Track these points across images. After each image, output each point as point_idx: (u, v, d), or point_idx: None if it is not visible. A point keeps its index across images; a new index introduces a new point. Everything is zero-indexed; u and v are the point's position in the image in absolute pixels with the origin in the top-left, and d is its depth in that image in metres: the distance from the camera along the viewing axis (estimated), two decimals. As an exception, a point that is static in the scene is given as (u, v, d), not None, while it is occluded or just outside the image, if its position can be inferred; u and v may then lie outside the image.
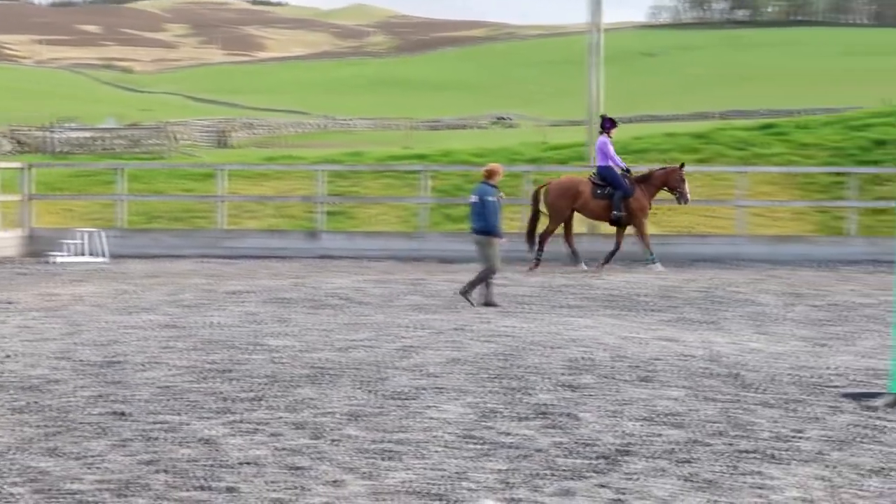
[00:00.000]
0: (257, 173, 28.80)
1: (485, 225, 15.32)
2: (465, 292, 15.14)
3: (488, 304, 15.01)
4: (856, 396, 9.05)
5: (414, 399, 8.89)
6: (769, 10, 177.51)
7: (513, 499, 6.31)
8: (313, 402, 8.76)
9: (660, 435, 7.75)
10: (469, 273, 16.12)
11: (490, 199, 15.30)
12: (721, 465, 7.00)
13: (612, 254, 20.58)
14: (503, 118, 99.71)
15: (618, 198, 20.63)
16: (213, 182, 25.62)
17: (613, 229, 21.12)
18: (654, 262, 20.49)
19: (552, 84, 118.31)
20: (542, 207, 20.94)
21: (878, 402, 8.76)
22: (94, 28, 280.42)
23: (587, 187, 20.77)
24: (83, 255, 22.15)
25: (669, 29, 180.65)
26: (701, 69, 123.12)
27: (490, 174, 15.67)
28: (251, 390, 9.19)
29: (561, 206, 20.79)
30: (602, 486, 6.55)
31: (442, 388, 9.33)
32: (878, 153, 26.79)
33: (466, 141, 45.64)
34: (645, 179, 20.98)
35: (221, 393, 9.08)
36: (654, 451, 7.33)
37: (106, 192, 27.35)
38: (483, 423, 8.06)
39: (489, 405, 8.67)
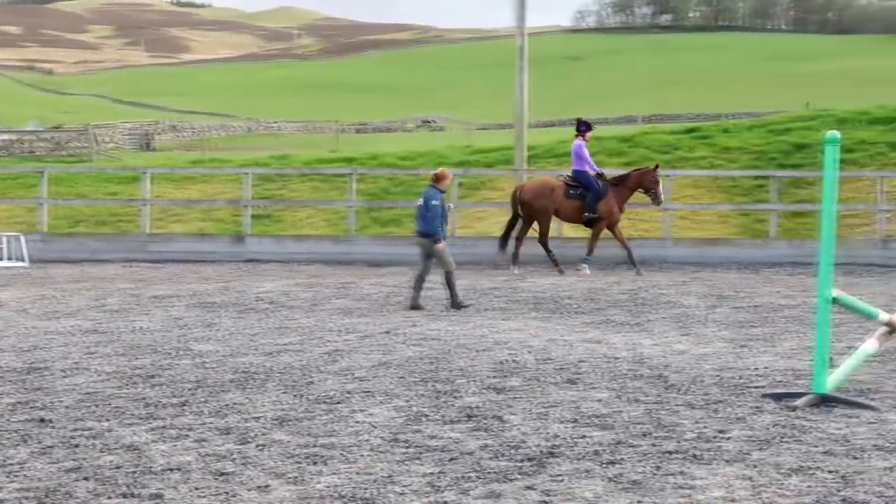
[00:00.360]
0: (183, 176, 28.56)
1: (427, 228, 15.47)
2: (456, 304, 15.23)
3: (414, 307, 15.10)
4: (777, 397, 9.19)
5: (342, 403, 8.88)
6: (692, 15, 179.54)
7: (440, 502, 6.32)
8: (240, 406, 8.71)
9: (586, 436, 7.81)
10: (396, 276, 16.13)
11: (434, 202, 15.45)
12: (646, 466, 7.07)
13: (630, 255, 20.69)
14: (430, 121, 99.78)
15: (591, 199, 20.70)
16: (137, 185, 25.36)
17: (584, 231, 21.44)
18: (585, 264, 20.60)
19: (479, 87, 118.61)
20: (520, 210, 21.04)
21: (799, 402, 8.90)
22: (14, 29, 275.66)
23: (560, 189, 20.88)
24: (2, 259, 21.79)
25: (594, 33, 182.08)
26: (626, 73, 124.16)
27: (438, 178, 15.81)
28: (177, 396, 9.11)
29: (544, 205, 20.87)
30: (529, 488, 6.59)
31: (370, 391, 9.33)
32: (799, 157, 27.26)
33: (394, 144, 45.57)
34: (620, 181, 21.01)
35: (146, 398, 9.00)
36: (581, 452, 7.39)
37: (28, 195, 26.95)
38: (411, 427, 8.07)
39: (417, 408, 8.68)
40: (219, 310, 14.79)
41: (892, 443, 7.70)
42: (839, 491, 6.54)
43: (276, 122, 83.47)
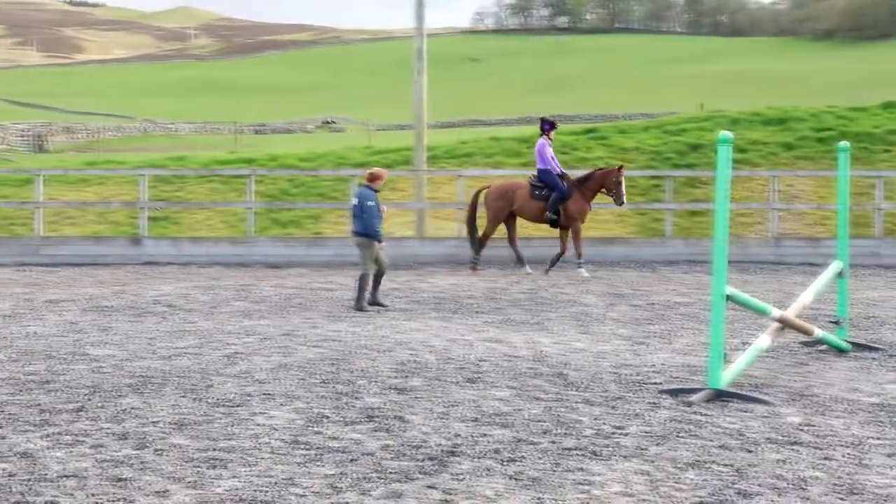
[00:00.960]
0: (77, 178, 28.03)
1: (367, 229, 15.50)
2: (360, 307, 15.17)
3: (375, 302, 15.30)
4: (674, 392, 9.34)
5: (241, 406, 8.80)
6: (589, 17, 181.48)
7: (341, 503, 6.31)
8: (137, 411, 8.59)
9: (487, 435, 7.86)
10: (296, 277, 16.04)
11: (370, 203, 15.45)
12: (546, 463, 7.14)
13: (558, 257, 20.55)
14: (330, 122, 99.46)
15: (553, 200, 20.44)
16: (30, 188, 24.82)
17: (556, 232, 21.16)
18: (581, 266, 20.31)
19: (379, 89, 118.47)
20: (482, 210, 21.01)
21: (695, 397, 9.06)
22: None
23: (525, 189, 20.69)
24: None
25: (493, 35, 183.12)
26: (525, 75, 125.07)
27: (372, 178, 15.79)
28: (72, 401, 8.95)
29: (498, 206, 20.79)
30: (430, 487, 6.61)
31: (270, 394, 9.26)
32: (694, 157, 27.72)
33: (293, 145, 45.35)
34: (584, 181, 20.67)
35: (41, 405, 8.82)
36: (481, 451, 7.42)
37: (-85, 198, 26.22)
38: (311, 429, 8.04)
39: (318, 410, 8.64)
40: (115, 313, 14.55)
41: (784, 436, 7.88)
42: (734, 484, 6.67)
43: (172, 124, 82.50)
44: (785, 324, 10.71)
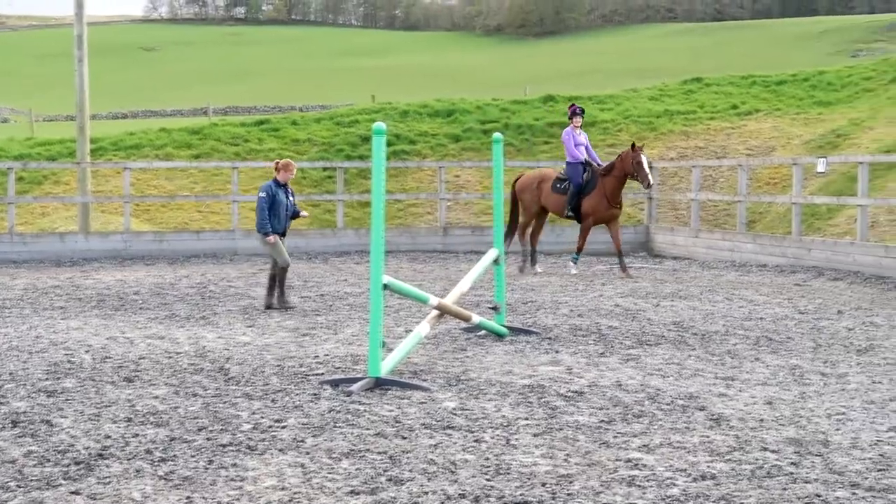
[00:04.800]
0: None
1: (256, 223, 14.72)
2: (275, 303, 14.48)
3: (282, 301, 14.63)
4: (335, 383, 9.37)
5: None
6: (265, 8, 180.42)
7: (-25, 516, 5.93)
8: None
9: (139, 435, 7.60)
10: None
11: (262, 195, 14.58)
12: (200, 461, 6.97)
13: (621, 257, 19.01)
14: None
15: (570, 194, 19.08)
16: None
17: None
18: (574, 261, 19.41)
19: (45, 77, 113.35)
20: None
21: (355, 386, 9.12)
22: None
23: (549, 182, 19.42)
24: None
25: (167, 24, 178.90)
26: (200, 65, 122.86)
27: (277, 170, 14.81)
28: None
29: (525, 199, 19.67)
30: (74, 493, 6.32)
31: None
32: (365, 148, 28.02)
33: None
34: (608, 172, 18.94)
35: None
36: (133, 452, 7.17)
37: None
38: (-52, 438, 7.53)
39: (-43, 418, 8.11)
40: None
41: (438, 421, 8.04)
42: (386, 471, 6.74)
43: None
44: (443, 311, 10.97)
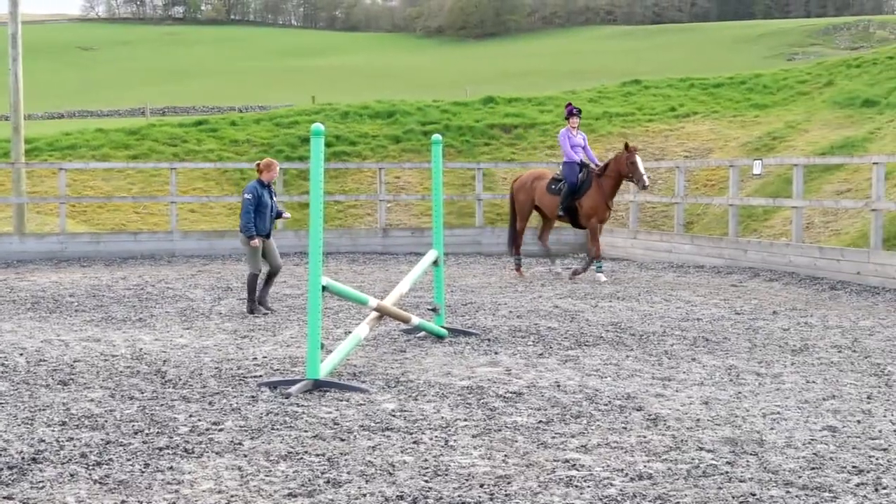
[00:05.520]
0: None
1: (240, 224, 14.36)
2: (252, 309, 14.15)
3: (261, 303, 14.29)
4: (273, 385, 9.32)
5: None
6: (204, 8, 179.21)
7: None
8: None
9: (74, 439, 7.51)
10: None
11: (247, 196, 14.22)
12: (136, 465, 6.90)
13: (588, 261, 18.52)
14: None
15: (563, 194, 18.52)
16: None
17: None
18: (599, 270, 18.33)
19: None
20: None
21: (293, 388, 9.07)
22: None
23: (545, 182, 18.98)
24: None
25: (105, 23, 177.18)
26: (138, 65, 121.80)
27: (260, 170, 14.45)
28: None
29: (520, 199, 19.23)
30: (7, 498, 6.22)
31: None
32: (305, 149, 27.93)
33: None
34: (602, 172, 18.36)
35: None
36: (67, 456, 7.08)
37: None
38: None
39: None
40: None
41: (377, 422, 8.03)
42: (324, 473, 6.71)
43: None
44: (383, 312, 10.95)
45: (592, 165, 18.68)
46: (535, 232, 20.43)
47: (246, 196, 14.28)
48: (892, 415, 8.37)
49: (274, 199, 14.65)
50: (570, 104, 19.26)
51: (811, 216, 21.64)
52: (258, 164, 14.56)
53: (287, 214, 15.34)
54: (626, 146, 18.24)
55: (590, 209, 18.38)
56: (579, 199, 18.45)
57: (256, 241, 14.32)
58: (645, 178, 17.95)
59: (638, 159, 17.96)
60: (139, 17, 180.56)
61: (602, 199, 18.29)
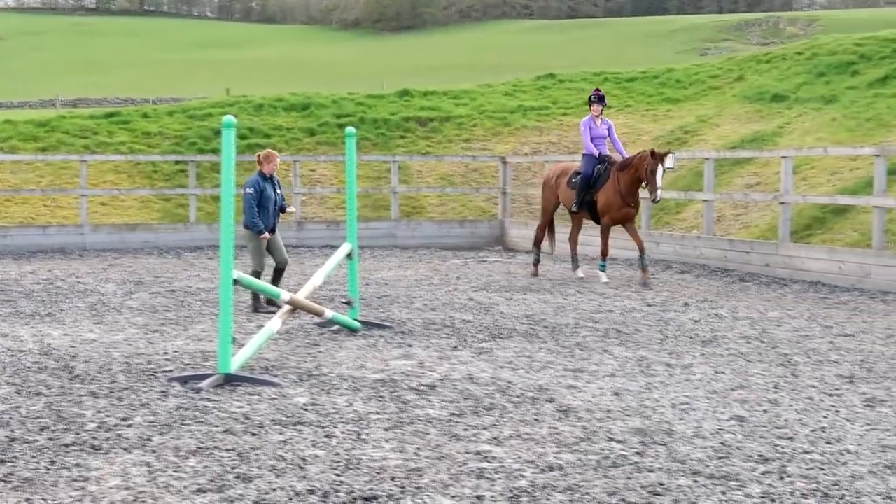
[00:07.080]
0: None
1: (245, 219, 13.75)
2: (257, 307, 13.71)
3: (269, 302, 13.72)
4: (184, 380, 9.22)
5: None
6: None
7: None
8: None
9: (-23, 437, 7.36)
10: None
11: (249, 190, 13.61)
12: (41, 462, 6.78)
13: (642, 257, 16.91)
14: None
15: (579, 188, 17.37)
16: None
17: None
18: (602, 270, 17.35)
19: None
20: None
21: (204, 383, 8.98)
22: None
23: (566, 176, 17.92)
24: None
25: (14, 13, 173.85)
26: (49, 55, 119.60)
27: (260, 162, 13.85)
28: None
29: (545, 196, 18.36)
30: None
31: None
32: (218, 142, 27.58)
33: None
34: (624, 167, 16.94)
35: None
36: (-30, 454, 6.94)
37: None
38: None
39: None
40: None
41: (288, 417, 7.98)
42: (234, 468, 6.65)
43: None
44: (296, 306, 10.89)
45: (617, 156, 17.51)
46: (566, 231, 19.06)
47: (247, 190, 13.71)
48: (798, 404, 8.53)
49: (278, 191, 14.07)
50: (597, 89, 17.95)
51: (722, 209, 21.94)
52: (258, 156, 14.03)
53: (291, 209, 14.66)
54: (653, 153, 16.48)
55: (603, 206, 17.16)
56: (596, 192, 17.29)
57: (267, 234, 13.85)
58: (659, 192, 16.41)
59: (660, 171, 16.28)
60: (50, 6, 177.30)
61: (616, 194, 16.92)
